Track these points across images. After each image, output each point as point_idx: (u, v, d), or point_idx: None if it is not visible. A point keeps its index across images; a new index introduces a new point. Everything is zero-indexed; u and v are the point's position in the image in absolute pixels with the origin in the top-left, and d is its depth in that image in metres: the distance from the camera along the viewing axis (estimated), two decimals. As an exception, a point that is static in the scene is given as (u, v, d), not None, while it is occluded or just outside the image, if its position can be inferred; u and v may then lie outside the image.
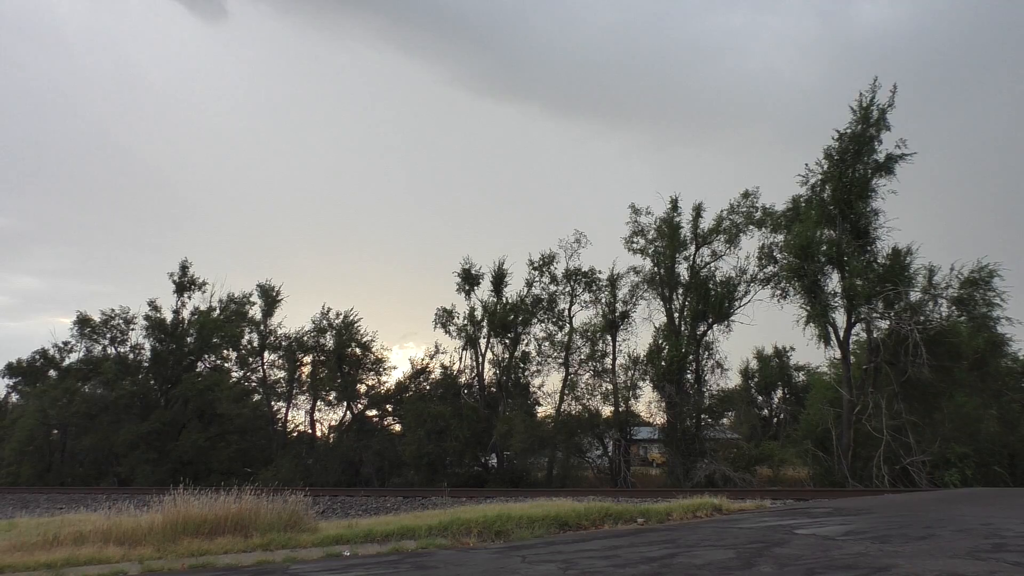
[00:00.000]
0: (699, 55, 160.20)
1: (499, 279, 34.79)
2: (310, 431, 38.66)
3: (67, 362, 45.12)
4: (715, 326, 29.82)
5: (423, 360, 37.69)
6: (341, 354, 36.95)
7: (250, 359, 40.75)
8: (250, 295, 41.60)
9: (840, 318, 25.27)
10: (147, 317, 41.25)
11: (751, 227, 29.55)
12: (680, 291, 30.39)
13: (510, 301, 34.38)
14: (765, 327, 78.65)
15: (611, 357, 32.14)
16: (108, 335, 42.49)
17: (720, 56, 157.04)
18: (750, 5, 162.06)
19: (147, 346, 42.12)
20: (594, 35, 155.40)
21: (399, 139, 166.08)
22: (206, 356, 41.89)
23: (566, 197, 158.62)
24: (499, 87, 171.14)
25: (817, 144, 25.63)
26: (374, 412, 38.26)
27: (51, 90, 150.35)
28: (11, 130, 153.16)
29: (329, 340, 37.76)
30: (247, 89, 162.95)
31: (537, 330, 34.33)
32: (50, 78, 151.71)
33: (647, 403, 31.51)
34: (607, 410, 31.48)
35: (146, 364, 41.77)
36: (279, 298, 39.70)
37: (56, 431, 42.30)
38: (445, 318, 35.24)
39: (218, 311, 41.74)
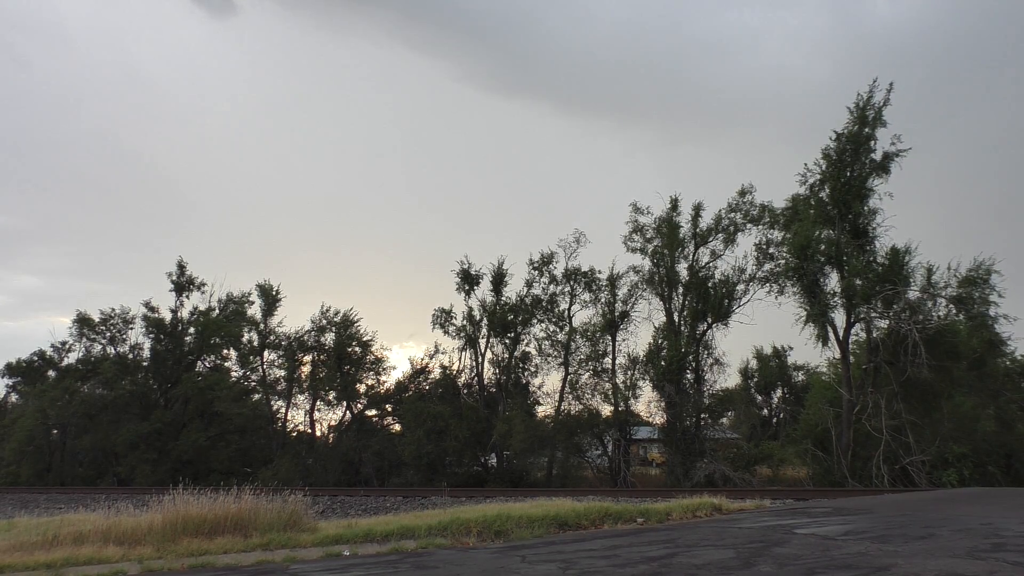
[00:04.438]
0: (712, 52, 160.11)
1: (499, 279, 34.81)
2: (310, 431, 38.69)
3: (66, 362, 45.18)
4: (714, 326, 29.83)
5: (423, 360, 37.77)
6: (341, 353, 36.96)
7: (250, 358, 40.77)
8: (250, 294, 41.67)
9: (839, 318, 25.32)
10: (146, 317, 41.26)
11: (749, 224, 29.58)
12: (679, 290, 30.39)
13: (510, 301, 34.42)
14: (764, 327, 78.72)
15: (611, 357, 32.18)
16: (107, 335, 42.51)
17: (733, 53, 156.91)
18: (764, 1, 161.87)
19: (146, 346, 42.19)
20: (606, 32, 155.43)
21: (404, 137, 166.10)
22: (206, 356, 41.91)
23: (570, 196, 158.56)
24: (508, 84, 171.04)
25: (826, 142, 25.62)
26: (374, 412, 38.30)
27: (52, 87, 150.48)
28: (11, 128, 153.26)
29: (329, 339, 37.80)
30: (251, 86, 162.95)
31: (537, 330, 34.43)
32: (51, 75, 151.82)
33: (647, 403, 31.57)
34: (607, 410, 31.52)
35: (146, 364, 41.78)
36: (279, 297, 39.74)
37: (56, 431, 42.31)
38: (443, 319, 35.26)
39: (218, 311, 41.75)
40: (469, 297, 35.11)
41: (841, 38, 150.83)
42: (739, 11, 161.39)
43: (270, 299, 39.56)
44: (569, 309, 33.86)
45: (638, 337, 51.23)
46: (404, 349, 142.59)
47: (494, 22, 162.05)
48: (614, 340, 32.17)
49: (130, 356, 42.11)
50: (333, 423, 38.38)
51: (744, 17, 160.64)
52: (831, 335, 25.15)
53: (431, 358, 37.31)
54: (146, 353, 42.10)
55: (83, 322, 42.64)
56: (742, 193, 29.81)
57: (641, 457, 42.96)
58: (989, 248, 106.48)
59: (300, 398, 38.96)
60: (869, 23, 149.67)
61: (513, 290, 34.87)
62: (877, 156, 24.87)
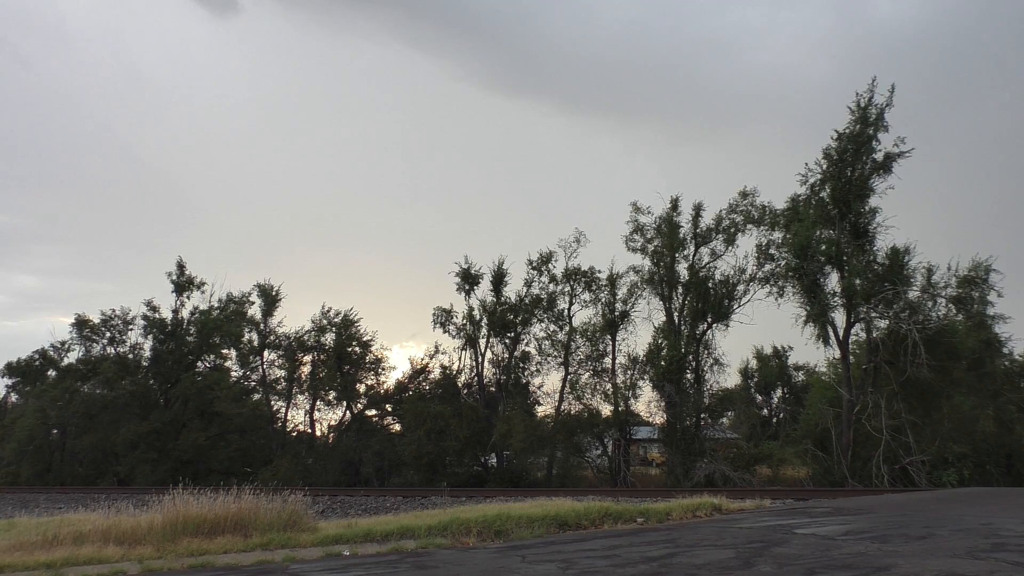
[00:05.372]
0: (714, 51, 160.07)
1: (499, 279, 34.80)
2: (310, 431, 38.69)
3: (66, 362, 45.19)
4: (714, 326, 29.83)
5: (423, 360, 37.77)
6: (341, 353, 36.97)
7: (250, 358, 40.77)
8: (250, 294, 41.66)
9: (839, 318, 25.31)
10: (145, 317, 41.29)
11: (750, 226, 29.56)
12: (679, 290, 30.39)
13: (510, 301, 34.42)
14: (764, 327, 78.81)
15: (611, 357, 32.17)
16: (107, 335, 42.54)
17: (735, 52, 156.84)
18: (767, 0, 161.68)
19: (146, 346, 42.22)
20: (608, 31, 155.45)
21: (405, 136, 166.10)
22: (206, 355, 41.91)
23: (571, 195, 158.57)
24: (510, 83, 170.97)
25: (828, 141, 25.62)
26: (374, 412, 38.29)
27: (53, 86, 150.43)
28: (11, 127, 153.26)
29: (329, 339, 37.80)
30: (253, 85, 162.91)
31: (537, 330, 34.41)
32: (52, 74, 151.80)
33: (647, 403, 31.57)
34: (607, 410, 31.51)
35: (146, 364, 41.80)
36: (279, 297, 39.73)
37: (56, 431, 42.33)
38: (444, 318, 35.26)
39: (218, 310, 41.76)
40: (469, 297, 35.15)
41: (844, 37, 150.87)
42: (741, 10, 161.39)
43: (270, 299, 39.55)
44: (569, 309, 33.88)
45: (638, 337, 51.24)
46: (404, 349, 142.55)
47: (496, 21, 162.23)
48: (614, 340, 32.17)
49: (130, 356, 42.14)
50: (333, 423, 38.42)
51: (746, 16, 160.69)
52: (831, 335, 25.15)
53: (431, 358, 37.35)
54: (146, 353, 42.15)
55: (82, 325, 42.67)
56: (744, 195, 29.77)
57: (641, 457, 42.94)
58: (989, 248, 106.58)
59: (300, 398, 38.99)
60: (871, 22, 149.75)
61: (513, 290, 34.90)
62: (879, 156, 24.86)
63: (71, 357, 44.96)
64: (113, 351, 42.41)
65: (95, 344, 43.06)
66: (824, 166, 25.59)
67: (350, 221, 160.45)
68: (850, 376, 25.17)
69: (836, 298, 25.10)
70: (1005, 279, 24.09)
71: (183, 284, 41.56)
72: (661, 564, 7.01)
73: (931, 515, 10.65)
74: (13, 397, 50.16)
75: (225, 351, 42.00)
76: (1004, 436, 25.62)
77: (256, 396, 41.78)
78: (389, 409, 37.91)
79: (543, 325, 34.25)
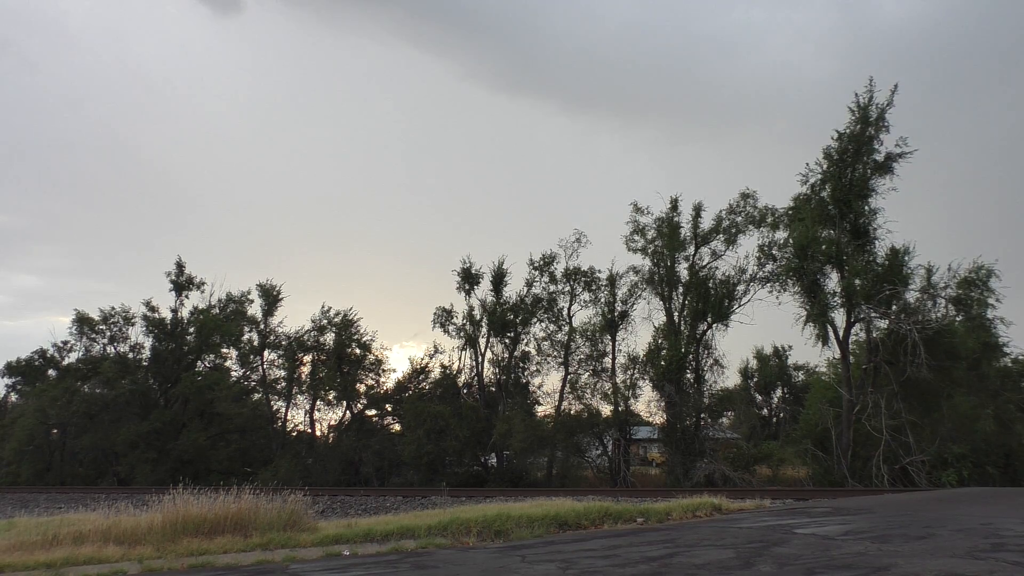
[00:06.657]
0: (716, 51, 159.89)
1: (499, 278, 34.81)
2: (310, 431, 38.70)
3: (66, 361, 45.18)
4: (715, 326, 29.83)
5: (423, 360, 37.76)
6: (341, 353, 36.97)
7: (250, 358, 40.77)
8: (249, 293, 41.68)
9: (839, 318, 25.30)
10: (145, 317, 41.26)
11: (751, 227, 29.57)
12: (680, 290, 30.40)
13: (510, 300, 34.43)
14: (764, 326, 78.80)
15: (611, 356, 32.18)
16: (107, 334, 42.53)
17: (738, 51, 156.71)
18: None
19: (147, 345, 42.19)
20: (611, 30, 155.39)
21: (407, 136, 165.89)
22: (206, 355, 41.91)
23: (573, 195, 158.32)
24: (513, 82, 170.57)
25: (829, 141, 25.58)
26: (374, 412, 38.30)
27: (54, 85, 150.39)
28: (12, 126, 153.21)
29: (329, 339, 37.80)
30: (255, 85, 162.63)
31: (537, 330, 34.42)
32: (53, 73, 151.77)
33: (647, 402, 31.56)
34: (607, 409, 31.52)
35: (146, 363, 41.78)
36: (279, 297, 39.73)
37: (56, 431, 42.31)
38: (444, 318, 35.28)
39: (218, 310, 41.75)
40: (469, 296, 35.16)
41: (847, 37, 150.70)
42: (745, 9, 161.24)
43: (271, 299, 39.55)
44: (569, 309, 33.89)
45: (638, 337, 51.33)
46: (404, 349, 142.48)
47: (499, 20, 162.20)
48: (614, 340, 32.18)
49: (130, 355, 42.10)
50: (333, 423, 38.43)
51: (750, 15, 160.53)
52: (831, 335, 25.14)
53: (431, 358, 37.35)
54: (146, 352, 42.12)
55: (82, 321, 42.66)
56: (744, 196, 29.78)
57: (641, 457, 42.95)
58: (991, 248, 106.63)
59: (300, 398, 39.00)
60: (875, 22, 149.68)
61: (513, 290, 34.91)
62: (880, 156, 24.85)
63: (71, 357, 45.01)
64: (113, 350, 42.40)
65: (95, 343, 43.06)
66: (824, 166, 25.58)
67: (350, 221, 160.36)
68: (850, 376, 25.17)
69: (836, 298, 25.09)
70: (1007, 277, 24.13)
71: (183, 284, 41.53)
72: (661, 564, 7.01)
73: (931, 515, 10.65)
74: (13, 397, 50.14)
75: (225, 351, 42.02)
76: (1003, 436, 25.60)
77: (256, 396, 41.77)
78: (389, 409, 37.92)
79: (543, 325, 34.31)
